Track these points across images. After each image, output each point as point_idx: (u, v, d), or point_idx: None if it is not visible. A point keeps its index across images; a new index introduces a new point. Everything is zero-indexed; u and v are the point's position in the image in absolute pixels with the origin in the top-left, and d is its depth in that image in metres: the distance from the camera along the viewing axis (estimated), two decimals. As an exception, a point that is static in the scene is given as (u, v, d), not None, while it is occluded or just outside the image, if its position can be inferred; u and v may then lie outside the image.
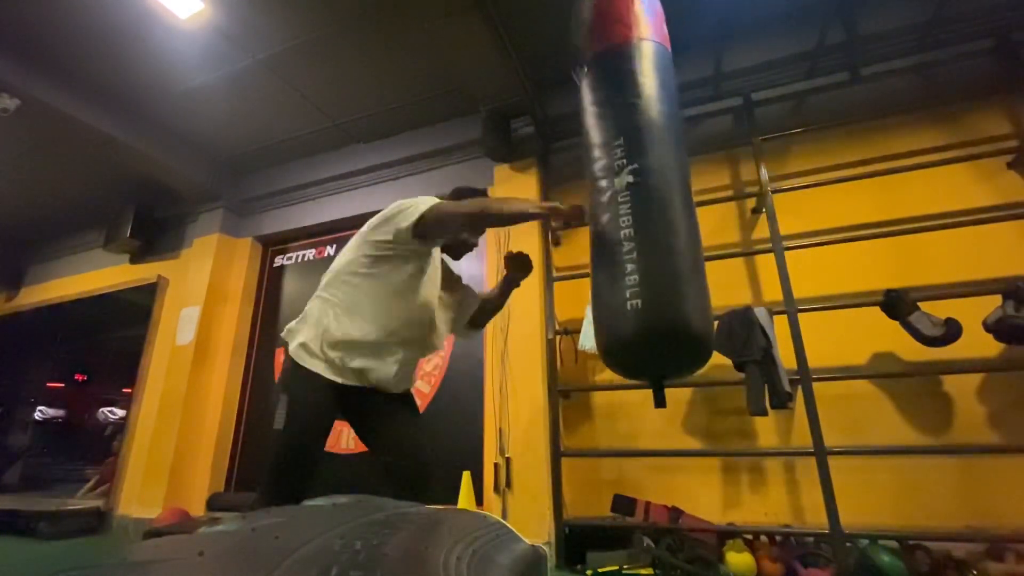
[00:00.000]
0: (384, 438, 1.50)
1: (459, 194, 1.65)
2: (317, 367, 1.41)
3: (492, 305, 1.74)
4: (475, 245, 1.70)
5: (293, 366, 1.45)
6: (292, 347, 1.47)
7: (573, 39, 1.67)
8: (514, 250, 1.62)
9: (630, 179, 1.32)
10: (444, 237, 1.52)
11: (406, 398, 1.56)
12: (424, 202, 1.43)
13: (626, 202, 1.31)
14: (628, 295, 1.23)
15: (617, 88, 1.45)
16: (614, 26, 1.52)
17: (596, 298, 1.37)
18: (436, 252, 1.57)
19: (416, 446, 1.50)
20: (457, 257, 1.69)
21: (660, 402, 1.35)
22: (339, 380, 1.41)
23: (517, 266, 1.62)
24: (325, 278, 1.55)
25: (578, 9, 1.65)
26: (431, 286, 1.54)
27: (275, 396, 1.46)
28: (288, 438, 1.40)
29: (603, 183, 1.37)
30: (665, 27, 1.60)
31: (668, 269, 1.25)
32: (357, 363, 1.42)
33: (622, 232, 1.29)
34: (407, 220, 1.42)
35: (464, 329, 1.75)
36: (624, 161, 1.34)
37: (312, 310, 1.50)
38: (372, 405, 1.48)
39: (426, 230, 1.41)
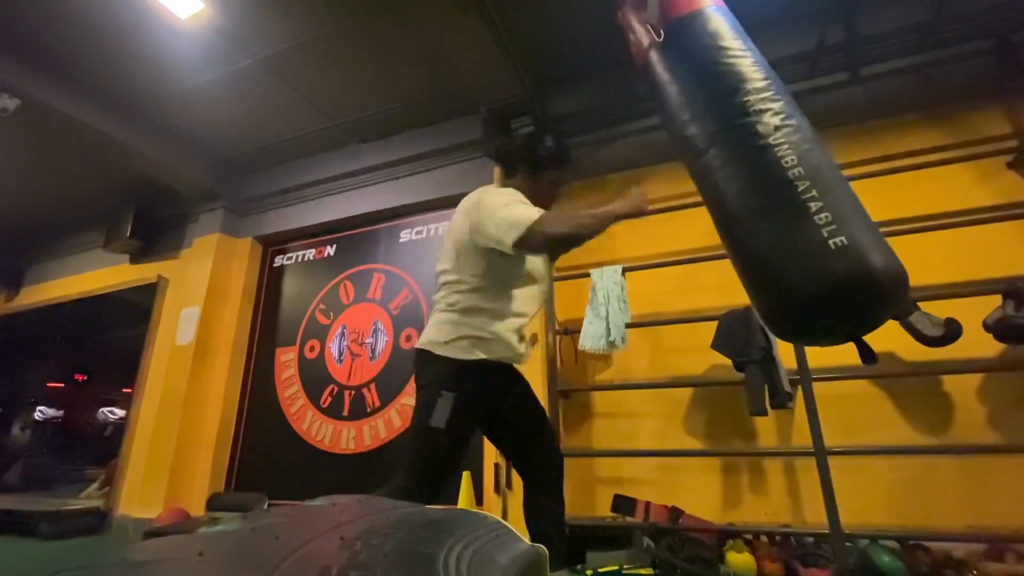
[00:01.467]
0: (531, 436, 1.56)
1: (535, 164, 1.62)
2: (462, 354, 1.40)
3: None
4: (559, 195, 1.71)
5: (445, 365, 1.40)
6: (435, 347, 1.43)
7: (633, 29, 1.67)
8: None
9: (776, 121, 1.22)
10: (537, 253, 1.51)
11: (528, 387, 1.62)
12: (523, 216, 1.34)
13: (781, 143, 1.18)
14: (827, 233, 1.07)
15: (716, 47, 1.42)
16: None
17: (760, 256, 1.20)
18: None
19: (553, 442, 1.60)
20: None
21: (870, 356, 1.20)
22: (485, 356, 1.41)
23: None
24: (439, 283, 1.54)
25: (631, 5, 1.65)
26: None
27: (430, 392, 1.38)
28: (449, 437, 1.36)
29: (734, 131, 1.26)
30: None
31: (854, 205, 1.13)
32: (494, 328, 1.43)
33: (789, 172, 1.15)
34: (507, 235, 1.34)
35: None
36: (762, 106, 1.25)
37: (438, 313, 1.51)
38: (518, 391, 1.56)
39: (525, 247, 1.35)
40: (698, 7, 1.50)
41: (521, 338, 1.51)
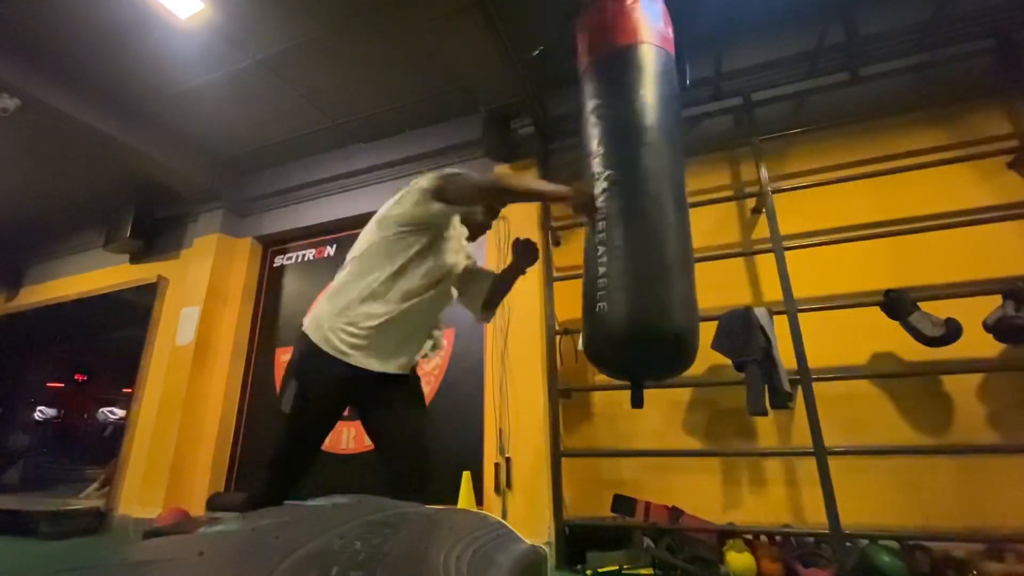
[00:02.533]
0: (389, 432, 1.48)
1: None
2: (331, 348, 1.39)
3: (503, 286, 1.71)
4: (488, 227, 1.70)
5: (307, 347, 1.42)
6: (307, 326, 1.45)
7: (577, 47, 1.70)
8: (522, 238, 1.63)
9: (604, 186, 1.38)
10: (460, 203, 1.50)
11: (414, 389, 1.55)
12: (440, 172, 1.48)
13: (601, 208, 1.37)
14: (597, 297, 1.28)
15: (605, 95, 1.50)
16: (609, 33, 1.54)
17: (583, 299, 1.42)
18: (458, 223, 1.60)
19: (419, 443, 1.49)
20: (472, 238, 1.69)
21: (637, 402, 1.38)
22: (352, 362, 1.39)
23: (524, 252, 1.61)
24: (347, 259, 1.56)
25: (580, 17, 1.67)
26: (453, 254, 1.56)
27: (285, 379, 1.43)
28: (295, 422, 1.41)
29: (601, 186, 1.43)
30: (668, 30, 1.61)
31: (637, 273, 1.28)
32: (371, 340, 1.41)
33: (597, 237, 1.35)
34: (428, 182, 1.44)
35: (481, 310, 1.72)
36: (600, 170, 1.40)
37: (332, 292, 1.49)
38: (382, 392, 1.47)
39: (444, 192, 1.43)
40: (624, 44, 1.52)
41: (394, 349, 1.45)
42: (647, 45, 1.51)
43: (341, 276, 1.51)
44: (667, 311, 1.26)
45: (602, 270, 1.30)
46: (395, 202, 1.52)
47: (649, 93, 1.45)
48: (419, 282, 1.45)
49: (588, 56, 1.61)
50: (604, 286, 1.27)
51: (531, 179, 1.56)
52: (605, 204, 1.36)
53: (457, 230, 1.60)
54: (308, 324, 1.46)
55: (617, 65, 1.50)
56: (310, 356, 1.41)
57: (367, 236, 1.54)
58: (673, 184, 1.39)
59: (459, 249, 1.61)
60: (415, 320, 1.48)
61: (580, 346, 2.71)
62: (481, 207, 1.62)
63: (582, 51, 1.66)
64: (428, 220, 1.46)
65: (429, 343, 1.57)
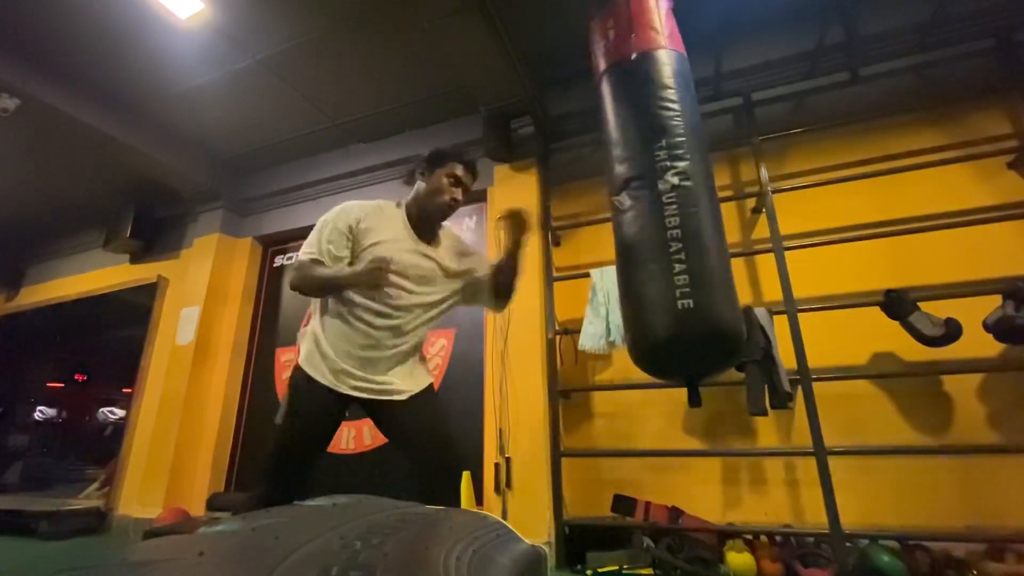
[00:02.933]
0: (404, 437, 1.52)
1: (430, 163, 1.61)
2: (315, 374, 1.47)
3: (507, 270, 1.61)
4: (455, 200, 1.58)
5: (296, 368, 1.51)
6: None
7: (594, 52, 1.70)
8: (504, 211, 1.56)
9: (675, 181, 1.35)
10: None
11: (419, 399, 1.53)
12: (305, 251, 1.59)
13: (672, 203, 1.33)
14: (678, 295, 1.24)
15: (654, 91, 1.49)
16: (647, 32, 1.56)
17: (633, 296, 1.38)
18: (397, 224, 1.59)
19: (442, 441, 1.52)
20: (439, 219, 1.62)
21: (696, 400, 1.37)
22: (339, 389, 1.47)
23: (514, 224, 1.54)
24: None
25: (604, 15, 1.68)
26: (400, 257, 1.51)
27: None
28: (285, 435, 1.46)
29: (639, 181, 1.40)
30: (680, 37, 1.67)
31: (713, 270, 1.28)
32: (348, 369, 1.48)
33: (668, 232, 1.30)
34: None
35: (495, 301, 1.67)
36: (668, 163, 1.37)
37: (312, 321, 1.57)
38: (384, 409, 1.51)
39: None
40: (647, 49, 1.55)
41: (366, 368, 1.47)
42: (671, 51, 1.56)
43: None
44: (736, 309, 1.30)
45: (680, 267, 1.26)
46: None
47: (688, 95, 1.51)
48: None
49: (610, 57, 1.61)
50: (686, 283, 1.25)
51: (344, 272, 1.53)
52: (677, 198, 1.33)
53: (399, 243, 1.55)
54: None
55: (656, 65, 1.52)
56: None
57: None
58: (713, 184, 1.44)
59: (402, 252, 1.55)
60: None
61: (580, 346, 2.71)
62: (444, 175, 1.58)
63: (601, 53, 1.67)
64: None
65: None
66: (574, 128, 3.28)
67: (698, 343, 1.26)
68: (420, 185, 1.60)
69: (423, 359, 1.64)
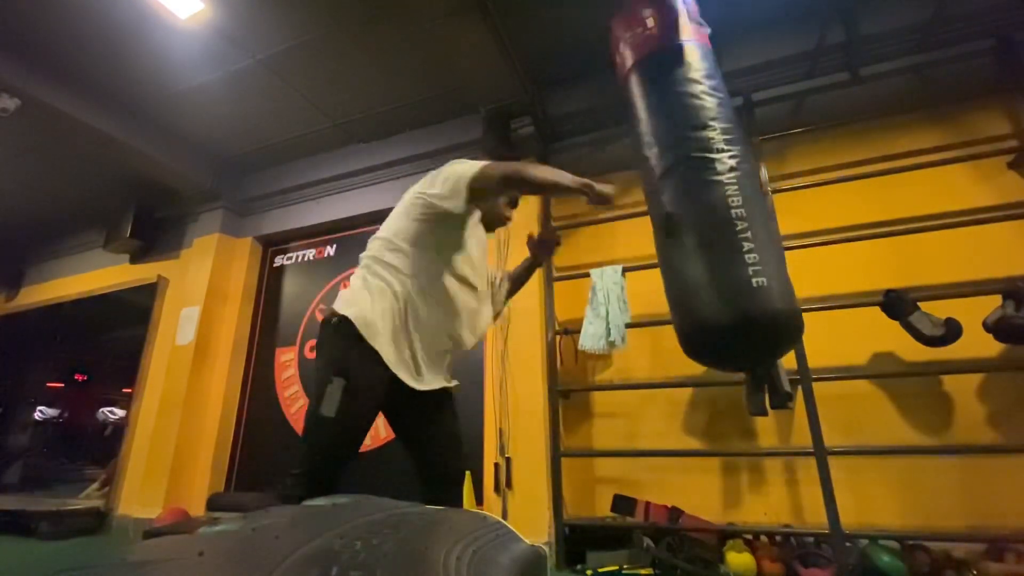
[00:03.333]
0: (425, 442, 1.45)
1: (496, 155, 1.71)
2: (382, 348, 1.26)
3: (519, 282, 1.74)
4: (509, 219, 1.61)
5: (350, 339, 1.25)
6: (352, 314, 1.28)
7: (619, 46, 1.72)
8: (535, 235, 1.65)
9: (732, 163, 1.33)
10: (485, 197, 1.40)
11: (445, 398, 1.50)
12: (473, 163, 1.38)
13: (733, 183, 1.30)
14: (751, 272, 1.21)
15: (696, 81, 1.50)
16: (679, 25, 1.60)
17: (694, 278, 1.32)
18: (477, 224, 1.50)
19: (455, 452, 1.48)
20: (490, 230, 1.61)
21: (759, 407, 1.40)
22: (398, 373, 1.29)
23: (544, 249, 1.64)
24: (373, 245, 1.42)
25: (631, 10, 1.71)
26: (481, 253, 1.52)
27: (322, 376, 1.25)
28: (339, 426, 1.22)
29: (693, 163, 1.38)
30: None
31: (777, 251, 1.29)
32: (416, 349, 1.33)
33: (732, 212, 1.27)
34: (469, 174, 1.32)
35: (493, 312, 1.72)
36: (724, 145, 1.36)
37: (372, 280, 1.35)
38: (416, 404, 1.40)
39: (473, 188, 1.32)
40: (679, 42, 1.57)
41: (429, 363, 1.37)
42: (698, 44, 1.60)
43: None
44: (793, 290, 1.30)
45: (748, 245, 1.23)
46: (428, 183, 1.41)
47: (720, 86, 1.52)
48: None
49: (644, 49, 1.63)
50: (756, 261, 1.22)
51: (553, 170, 1.42)
52: (737, 179, 1.31)
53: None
54: None
55: (704, 52, 1.56)
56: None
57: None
58: (756, 170, 1.49)
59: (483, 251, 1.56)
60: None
61: (580, 346, 2.71)
62: (504, 198, 1.56)
63: (630, 47, 1.68)
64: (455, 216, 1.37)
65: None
66: (574, 128, 3.28)
67: (771, 324, 1.22)
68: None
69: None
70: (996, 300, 2.09)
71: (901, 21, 2.64)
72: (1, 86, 2.91)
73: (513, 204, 1.63)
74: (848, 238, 2.47)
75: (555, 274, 3.02)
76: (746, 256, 1.21)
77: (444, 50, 2.87)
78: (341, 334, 1.27)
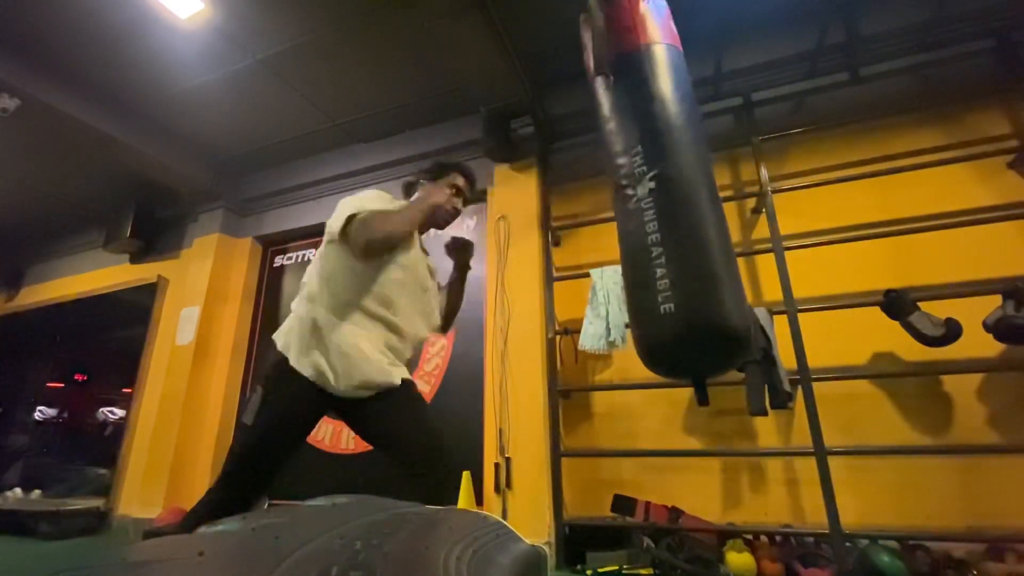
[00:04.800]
0: (385, 437, 1.41)
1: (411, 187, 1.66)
2: (302, 366, 1.33)
3: (451, 304, 1.70)
4: (456, 211, 1.61)
5: (274, 359, 1.37)
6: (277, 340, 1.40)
7: (585, 49, 1.67)
8: (451, 238, 1.64)
9: (651, 185, 1.33)
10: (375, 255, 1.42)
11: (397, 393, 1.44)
12: (350, 208, 1.39)
13: (650, 208, 1.32)
14: (660, 299, 1.25)
15: (631, 95, 1.47)
16: (623, 34, 1.53)
17: (629, 304, 1.40)
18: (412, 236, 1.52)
19: (424, 436, 1.40)
20: (440, 227, 1.62)
21: (703, 400, 1.36)
22: (320, 384, 1.34)
23: (460, 250, 1.64)
24: (304, 281, 1.49)
25: (588, 19, 1.65)
26: (410, 271, 1.49)
27: (252, 387, 1.39)
28: (255, 433, 1.32)
29: (627, 191, 1.39)
30: (673, 27, 1.62)
31: (697, 271, 1.26)
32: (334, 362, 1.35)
33: (648, 238, 1.30)
34: (335, 223, 1.39)
35: (439, 327, 1.69)
36: (644, 168, 1.36)
37: (297, 308, 1.45)
38: (360, 410, 1.39)
39: (355, 249, 1.37)
40: (635, 45, 1.50)
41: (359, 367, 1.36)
42: (661, 45, 1.51)
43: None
44: (736, 304, 1.26)
45: (660, 271, 1.26)
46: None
47: (675, 90, 1.45)
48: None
49: (607, 55, 1.57)
50: (666, 287, 1.24)
51: (399, 215, 1.45)
52: (654, 203, 1.31)
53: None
54: None
55: (637, 65, 1.48)
56: None
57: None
58: (708, 179, 1.38)
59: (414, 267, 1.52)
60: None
61: (580, 346, 2.71)
62: (446, 187, 1.59)
63: (597, 52, 1.64)
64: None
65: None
66: (574, 128, 3.28)
67: (687, 344, 1.25)
68: (420, 195, 1.61)
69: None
70: (996, 300, 2.09)
71: (901, 21, 2.64)
72: (1, 86, 2.91)
73: (458, 190, 1.61)
74: (848, 238, 2.47)
75: (555, 274, 3.02)
76: (658, 283, 1.26)
77: (444, 50, 2.87)
78: (270, 354, 1.41)
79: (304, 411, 1.36)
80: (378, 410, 1.38)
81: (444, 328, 1.72)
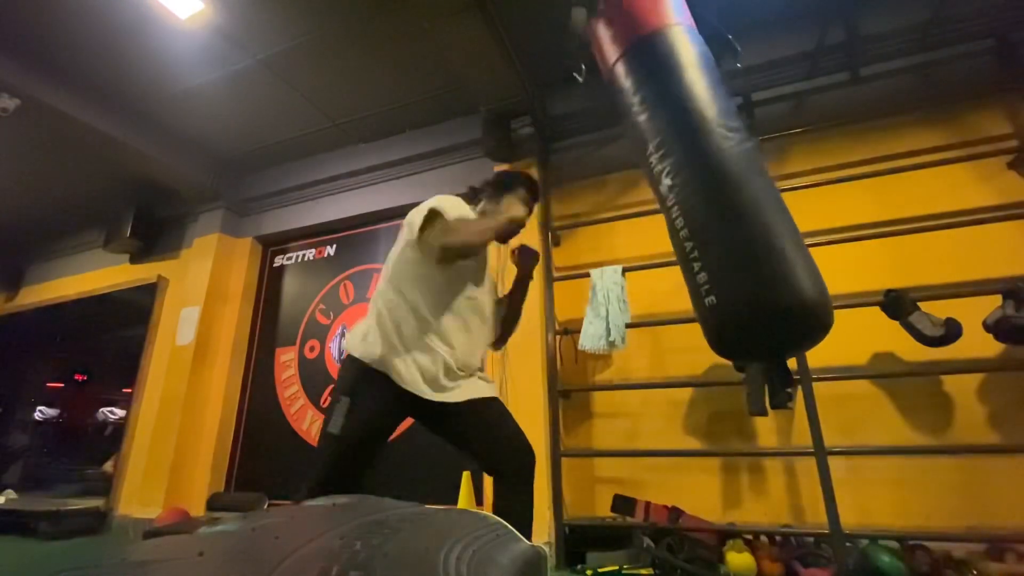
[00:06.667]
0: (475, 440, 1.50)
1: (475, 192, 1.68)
2: (388, 368, 1.36)
3: (513, 311, 1.69)
4: (523, 222, 1.58)
5: (356, 365, 1.39)
6: (354, 346, 1.42)
7: (598, 41, 1.63)
8: (517, 245, 1.63)
9: (669, 182, 1.31)
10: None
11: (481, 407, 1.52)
12: (434, 205, 1.41)
13: (675, 205, 1.30)
14: (703, 292, 1.23)
15: (646, 87, 1.42)
16: (620, 32, 1.50)
17: (691, 299, 1.36)
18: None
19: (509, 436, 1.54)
20: (503, 241, 1.63)
21: (784, 387, 1.35)
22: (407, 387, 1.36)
23: (527, 258, 1.63)
24: (385, 270, 1.53)
25: (599, 10, 1.61)
26: (476, 278, 1.52)
27: (332, 399, 1.38)
28: (343, 443, 1.33)
29: (658, 189, 1.38)
30: (684, 7, 1.56)
31: (735, 257, 1.20)
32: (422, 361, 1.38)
33: (680, 234, 1.29)
34: (415, 220, 1.41)
35: (496, 343, 1.71)
36: (660, 167, 1.33)
37: (378, 306, 1.46)
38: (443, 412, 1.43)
39: (428, 250, 1.39)
40: (648, 31, 1.44)
41: (447, 372, 1.41)
42: (675, 27, 1.45)
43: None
44: (794, 274, 1.14)
45: (697, 265, 1.24)
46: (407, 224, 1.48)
47: (689, 72, 1.38)
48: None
49: (620, 46, 1.51)
50: (705, 280, 1.22)
51: (480, 223, 1.48)
52: (677, 198, 1.28)
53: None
54: None
55: (660, 50, 1.41)
56: None
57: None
58: (739, 156, 1.29)
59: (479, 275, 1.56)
60: None
61: (580, 346, 2.71)
62: (517, 199, 1.61)
63: (609, 43, 1.57)
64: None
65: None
66: (574, 128, 3.28)
67: (736, 334, 1.22)
68: (486, 206, 1.63)
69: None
70: (996, 300, 2.09)
71: (901, 21, 2.64)
72: (1, 86, 2.91)
73: (527, 204, 1.61)
74: (848, 238, 2.47)
75: (555, 274, 3.02)
76: (696, 276, 1.24)
77: (444, 50, 2.87)
78: (348, 364, 1.42)
79: (391, 414, 1.38)
80: (460, 412, 1.43)
81: (499, 342, 1.72)
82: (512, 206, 1.58)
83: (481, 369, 1.57)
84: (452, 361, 1.41)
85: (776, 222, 1.23)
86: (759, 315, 1.15)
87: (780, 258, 1.16)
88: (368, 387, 1.35)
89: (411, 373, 1.35)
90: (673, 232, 1.32)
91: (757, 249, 1.18)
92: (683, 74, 1.38)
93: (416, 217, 1.41)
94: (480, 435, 1.49)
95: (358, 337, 1.43)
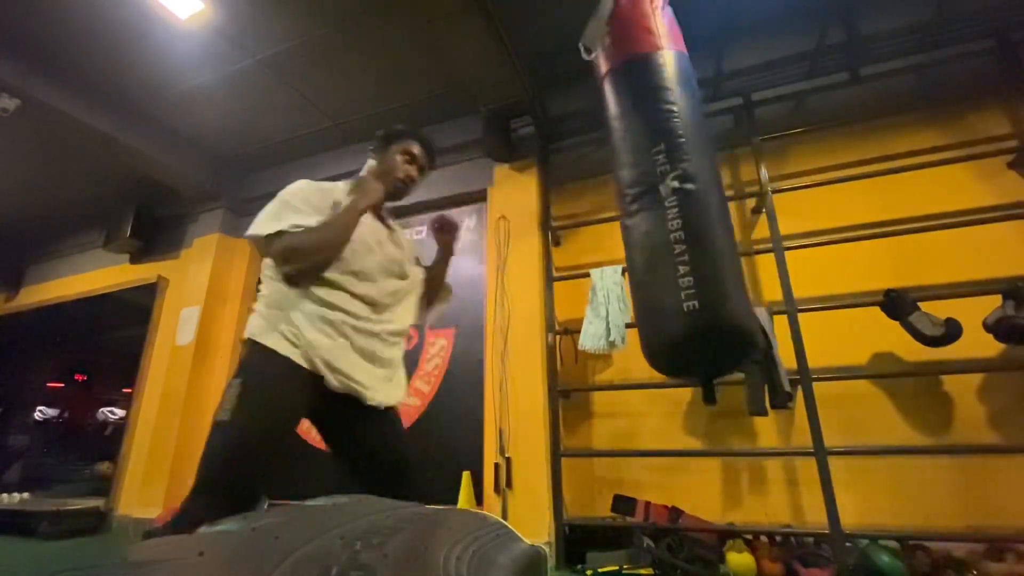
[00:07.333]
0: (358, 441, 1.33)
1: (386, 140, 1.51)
2: (280, 346, 1.19)
3: (437, 284, 1.55)
4: (411, 179, 1.46)
5: (250, 346, 1.21)
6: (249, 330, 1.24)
7: (591, 43, 1.68)
8: (435, 217, 1.52)
9: (675, 184, 1.35)
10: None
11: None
12: (271, 222, 1.24)
13: (674, 206, 1.34)
14: (683, 296, 1.26)
15: (650, 96, 1.49)
16: (641, 35, 1.55)
17: (642, 301, 1.41)
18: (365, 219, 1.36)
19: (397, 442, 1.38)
20: (394, 199, 1.47)
21: (711, 398, 1.39)
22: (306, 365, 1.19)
23: (445, 232, 1.50)
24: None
25: (600, 15, 1.66)
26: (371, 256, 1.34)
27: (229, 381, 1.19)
28: (233, 430, 1.13)
29: (641, 187, 1.41)
30: (680, 35, 1.66)
31: (719, 270, 1.29)
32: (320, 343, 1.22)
33: (672, 235, 1.32)
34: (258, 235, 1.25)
35: (421, 310, 1.54)
36: (668, 167, 1.38)
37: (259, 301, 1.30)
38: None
39: (281, 275, 1.24)
40: (640, 52, 1.53)
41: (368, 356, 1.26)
42: (676, 52, 1.55)
43: None
44: (747, 305, 1.31)
45: (683, 269, 1.28)
46: None
47: (689, 95, 1.49)
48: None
49: (611, 61, 1.61)
50: (690, 285, 1.27)
51: (327, 226, 1.30)
52: (679, 201, 1.34)
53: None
54: None
55: (655, 65, 1.51)
56: None
57: None
58: (720, 184, 1.43)
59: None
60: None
61: (580, 346, 2.71)
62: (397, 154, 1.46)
63: (609, 50, 1.64)
64: None
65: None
66: (574, 128, 3.28)
67: (707, 342, 1.27)
68: (371, 164, 1.49)
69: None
70: (996, 300, 2.09)
71: (901, 21, 2.64)
72: (1, 86, 2.91)
73: (406, 155, 1.45)
74: (848, 238, 2.47)
75: (555, 274, 3.02)
76: (680, 280, 1.27)
77: (444, 50, 2.87)
78: (246, 348, 1.25)
79: (293, 397, 1.20)
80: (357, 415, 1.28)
81: (423, 319, 1.56)
82: (390, 161, 1.45)
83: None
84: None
85: (735, 249, 1.39)
86: (732, 328, 1.26)
87: (736, 283, 1.32)
88: (261, 362, 1.20)
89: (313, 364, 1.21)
90: (656, 232, 1.36)
91: (730, 271, 1.31)
92: (684, 90, 1.50)
93: (260, 230, 1.24)
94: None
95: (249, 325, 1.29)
